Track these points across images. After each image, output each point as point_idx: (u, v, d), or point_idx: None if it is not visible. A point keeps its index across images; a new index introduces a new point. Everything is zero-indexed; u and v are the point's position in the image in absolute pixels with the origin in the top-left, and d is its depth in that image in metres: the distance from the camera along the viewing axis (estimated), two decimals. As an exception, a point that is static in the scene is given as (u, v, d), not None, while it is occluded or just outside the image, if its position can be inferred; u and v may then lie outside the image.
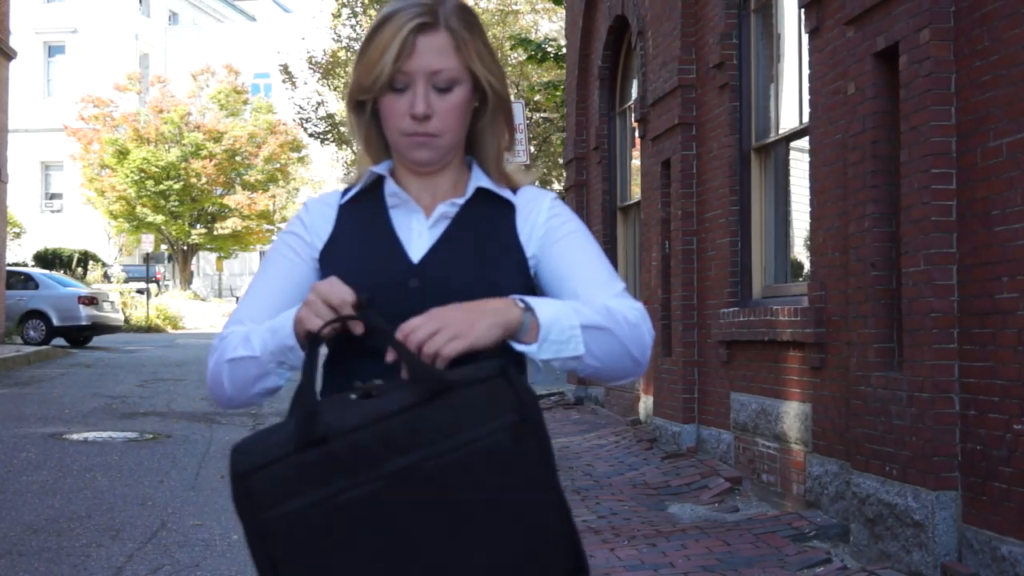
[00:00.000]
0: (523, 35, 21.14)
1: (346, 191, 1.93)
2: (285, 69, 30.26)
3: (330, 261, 1.86)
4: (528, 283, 1.85)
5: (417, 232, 1.85)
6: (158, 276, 39.55)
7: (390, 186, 1.87)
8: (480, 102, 1.86)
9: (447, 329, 1.61)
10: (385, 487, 1.53)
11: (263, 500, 1.55)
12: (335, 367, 1.84)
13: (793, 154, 7.41)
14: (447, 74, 1.78)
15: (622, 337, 1.74)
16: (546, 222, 1.87)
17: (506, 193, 1.88)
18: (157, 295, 35.67)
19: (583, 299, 1.79)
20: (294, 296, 1.86)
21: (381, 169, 1.88)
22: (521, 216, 1.88)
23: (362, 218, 1.88)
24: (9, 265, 24.91)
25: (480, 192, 1.87)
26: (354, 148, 2.10)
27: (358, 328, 1.69)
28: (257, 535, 1.56)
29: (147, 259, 36.05)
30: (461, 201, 1.85)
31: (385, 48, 1.76)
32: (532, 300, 1.71)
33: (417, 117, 1.78)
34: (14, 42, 21.64)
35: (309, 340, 1.68)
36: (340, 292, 1.68)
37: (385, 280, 1.78)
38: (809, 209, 6.50)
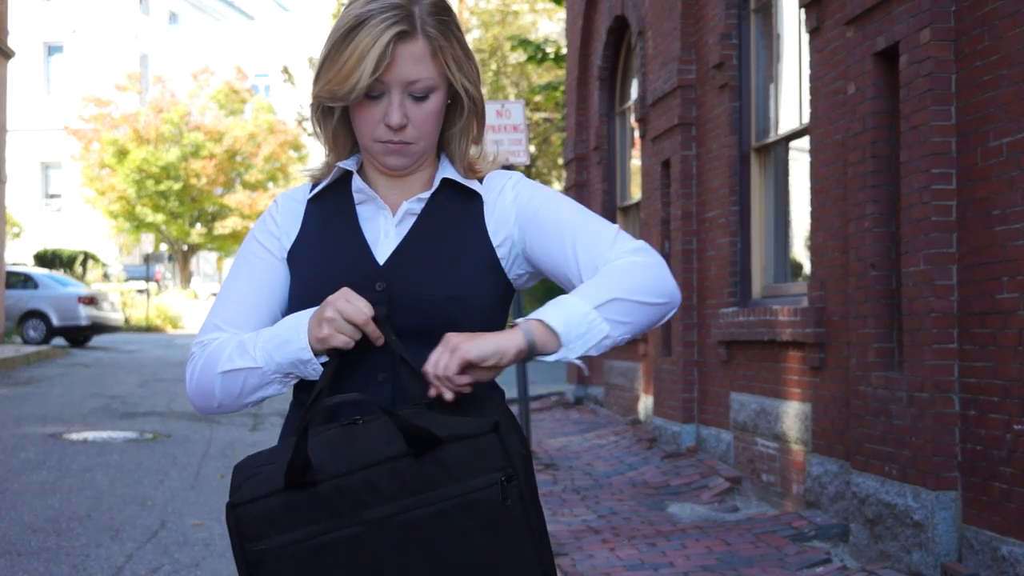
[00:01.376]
0: (523, 35, 21.13)
1: (314, 186, 1.90)
2: (286, 70, 30.29)
3: (298, 260, 1.84)
4: (499, 278, 1.82)
5: (384, 231, 1.82)
6: (157, 276, 39.55)
7: (356, 182, 1.84)
8: (452, 100, 1.83)
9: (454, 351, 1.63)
10: (366, 532, 1.56)
11: (250, 532, 1.60)
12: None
13: (793, 154, 7.41)
14: (424, 83, 1.75)
15: (635, 295, 1.71)
16: (514, 202, 1.84)
17: (473, 184, 1.85)
18: (157, 294, 35.68)
19: (584, 265, 1.76)
20: (273, 299, 1.84)
21: (349, 164, 1.86)
22: (488, 206, 1.85)
23: (328, 215, 1.85)
24: (9, 265, 24.92)
25: (447, 183, 1.84)
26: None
27: (380, 341, 1.71)
28: (244, 564, 1.61)
29: (147, 259, 36.04)
30: (426, 196, 1.83)
31: (361, 58, 1.70)
32: (540, 312, 1.68)
33: (392, 127, 1.75)
34: (13, 41, 21.64)
35: (332, 355, 1.71)
36: (360, 310, 1.68)
37: (352, 283, 1.75)
38: (809, 209, 6.50)
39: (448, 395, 1.63)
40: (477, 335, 1.64)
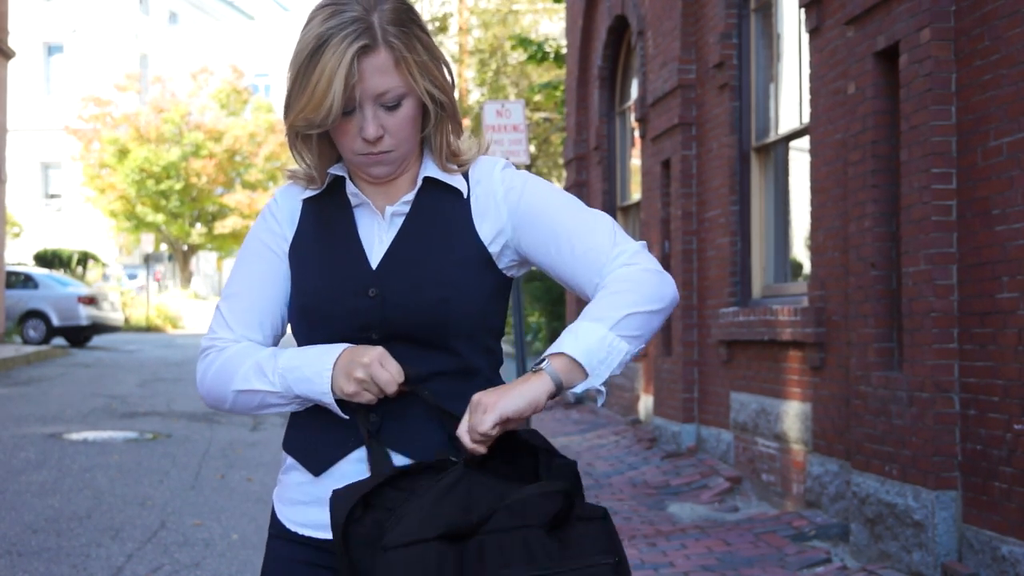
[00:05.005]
0: (523, 35, 21.13)
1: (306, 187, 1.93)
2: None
3: (297, 263, 1.87)
4: (492, 273, 1.84)
5: (378, 236, 1.85)
6: (157, 276, 39.53)
7: (350, 187, 1.86)
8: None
9: (486, 410, 1.69)
10: None
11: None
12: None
13: (793, 154, 7.41)
14: (393, 93, 1.76)
15: (646, 305, 1.75)
16: (505, 198, 1.85)
17: (455, 180, 1.86)
18: (158, 294, 35.66)
19: (586, 265, 1.79)
20: (279, 299, 1.88)
21: (340, 171, 1.88)
22: (474, 200, 1.86)
23: (325, 219, 1.88)
24: (9, 265, 24.91)
25: (429, 182, 1.86)
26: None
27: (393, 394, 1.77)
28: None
29: (147, 259, 36.02)
30: (411, 197, 1.84)
31: (330, 81, 1.72)
32: (559, 345, 1.73)
33: (369, 140, 1.77)
34: (13, 41, 21.64)
35: (354, 408, 1.78)
36: (392, 380, 1.74)
37: (349, 288, 1.81)
38: (809, 209, 6.50)
39: (483, 450, 1.69)
40: (504, 390, 1.69)
